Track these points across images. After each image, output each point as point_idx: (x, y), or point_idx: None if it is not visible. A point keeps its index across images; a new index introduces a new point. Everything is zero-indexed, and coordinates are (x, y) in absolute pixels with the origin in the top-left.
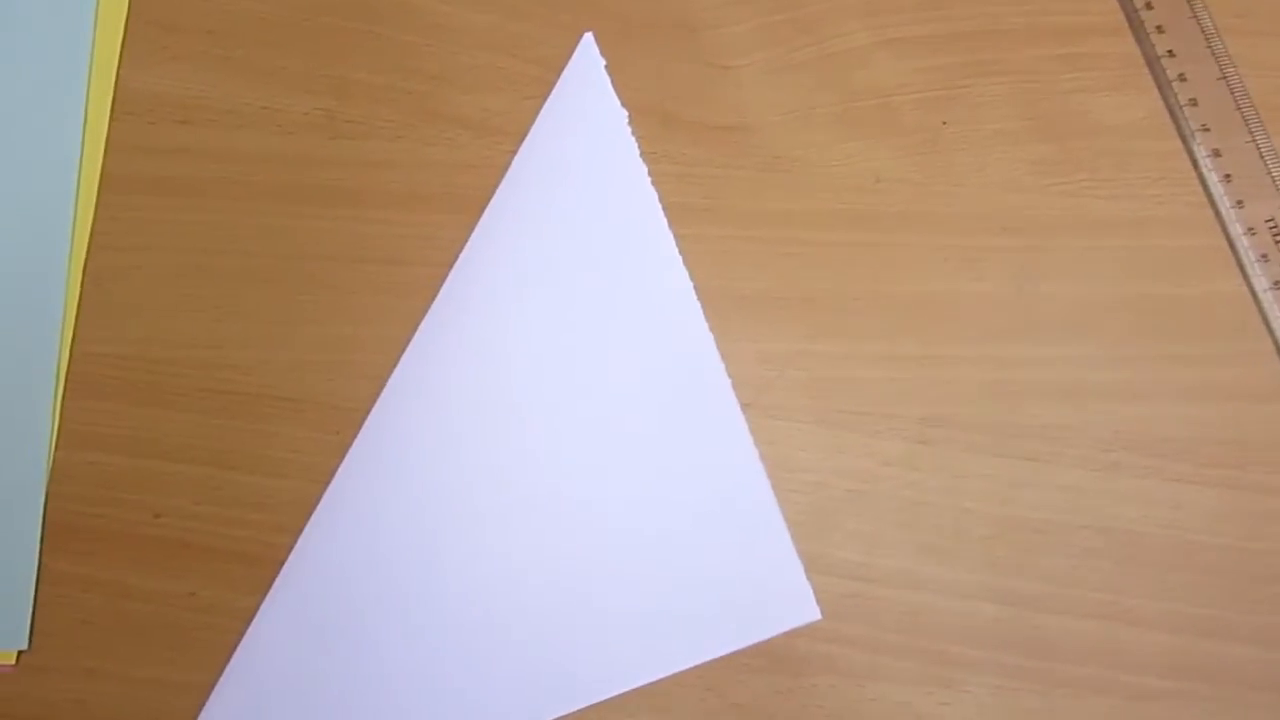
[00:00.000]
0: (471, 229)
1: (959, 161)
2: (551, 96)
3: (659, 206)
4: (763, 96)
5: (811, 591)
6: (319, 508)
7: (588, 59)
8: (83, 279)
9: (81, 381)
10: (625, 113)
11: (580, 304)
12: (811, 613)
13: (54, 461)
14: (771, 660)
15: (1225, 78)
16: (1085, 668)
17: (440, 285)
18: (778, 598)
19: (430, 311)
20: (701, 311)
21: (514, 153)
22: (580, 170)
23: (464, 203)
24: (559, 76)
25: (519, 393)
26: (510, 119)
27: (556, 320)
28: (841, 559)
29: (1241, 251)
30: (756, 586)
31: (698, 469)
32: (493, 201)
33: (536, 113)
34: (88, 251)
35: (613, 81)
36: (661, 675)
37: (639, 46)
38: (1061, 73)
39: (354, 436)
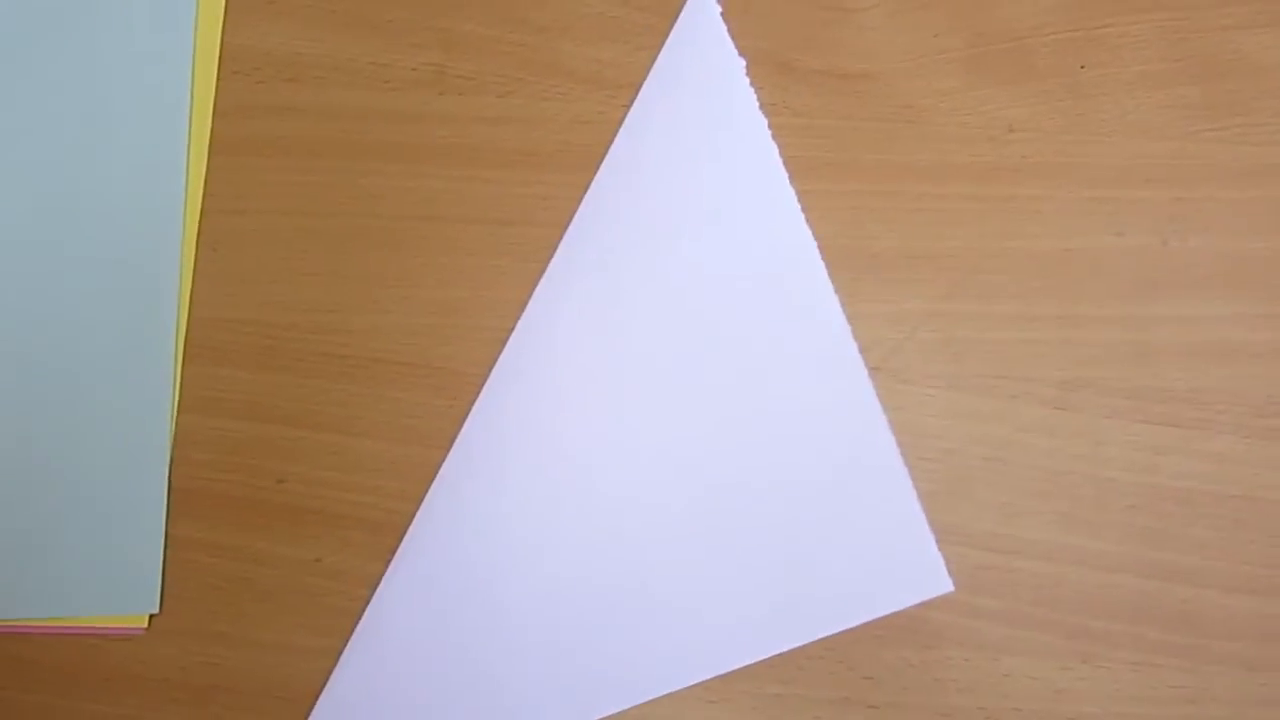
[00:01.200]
0: (587, 187)
1: (1099, 108)
2: (666, 46)
3: (779, 160)
4: (888, 41)
5: (943, 562)
6: (440, 474)
7: (702, 5)
8: (197, 244)
9: (200, 347)
10: (742, 61)
11: (699, 263)
12: (943, 584)
13: (176, 427)
14: (902, 632)
15: None
16: (1236, 643)
17: (556, 246)
18: (908, 568)
19: (546, 273)
20: (825, 270)
21: (629, 106)
22: (697, 123)
23: (579, 159)
24: (672, 25)
25: (637, 356)
26: (624, 70)
27: (675, 281)
28: (976, 529)
29: None
30: (886, 557)
31: (823, 435)
32: (607, 158)
33: (650, 63)
34: (200, 216)
35: (729, 28)
36: (789, 647)
37: None
38: (1215, 7)
39: (472, 401)
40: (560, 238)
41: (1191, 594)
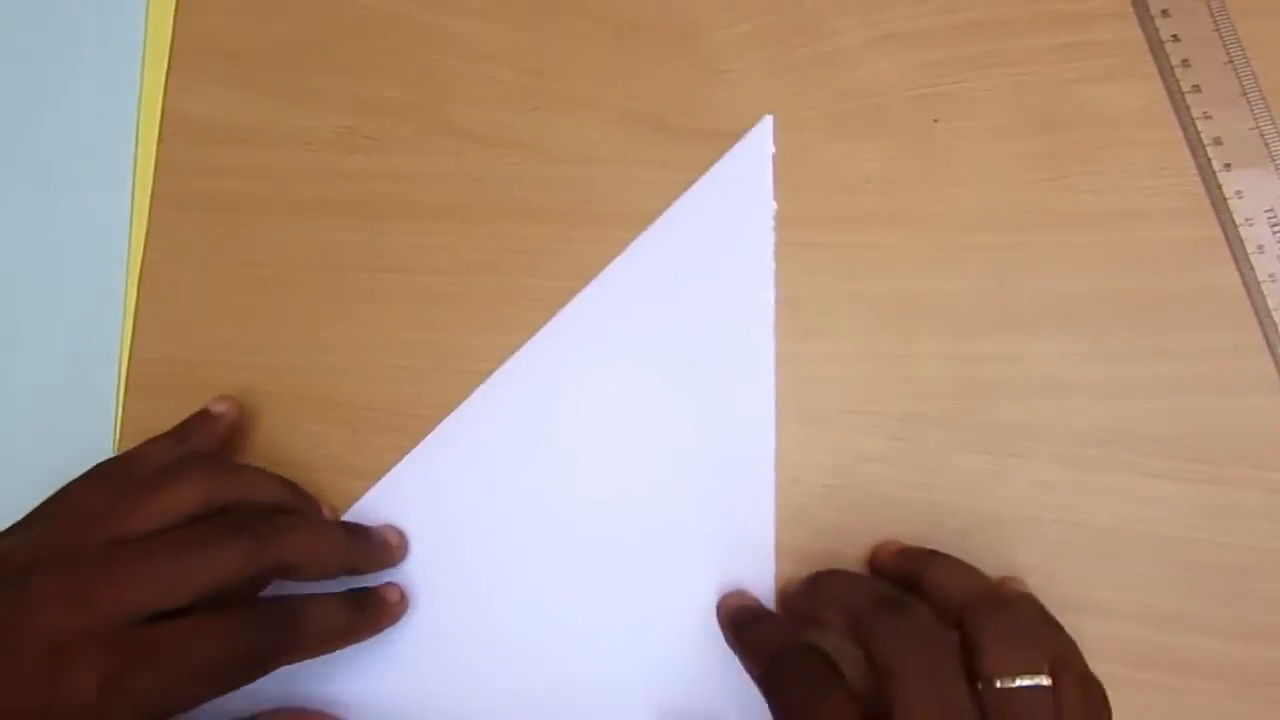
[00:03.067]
0: (478, 236)
1: (949, 159)
2: (714, 168)
3: (772, 311)
4: (756, 99)
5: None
6: (358, 503)
7: (759, 143)
8: (138, 292)
9: (139, 385)
10: (774, 206)
11: (662, 379)
12: None
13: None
14: None
15: (1232, 61)
16: None
17: (453, 291)
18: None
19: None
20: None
21: (518, 163)
22: (710, 255)
23: (472, 212)
24: (556, 86)
25: (588, 410)
26: (510, 129)
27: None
28: (814, 548)
29: (1238, 243)
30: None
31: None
32: (612, 267)
33: (536, 123)
34: (141, 266)
35: (608, 88)
36: None
37: (635, 51)
38: (1060, 62)
39: (370, 433)
40: (456, 284)
41: None
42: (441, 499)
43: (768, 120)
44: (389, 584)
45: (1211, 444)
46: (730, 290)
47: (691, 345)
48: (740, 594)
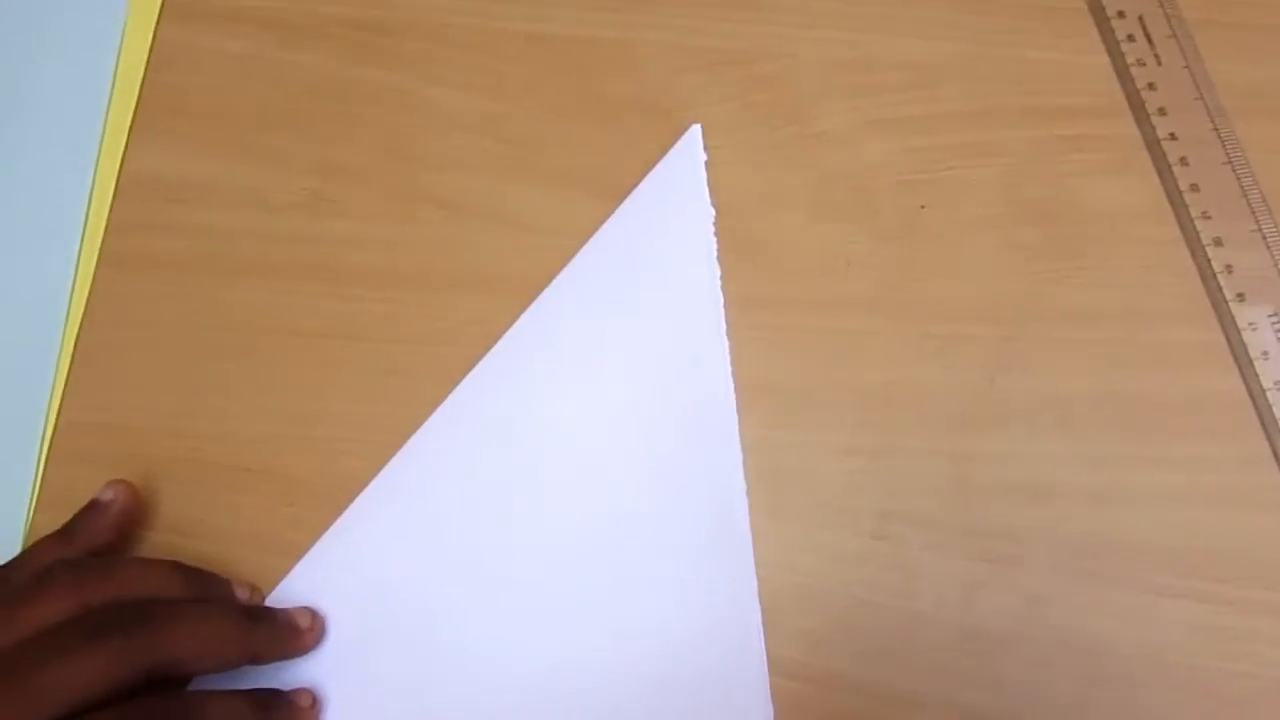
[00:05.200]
0: (439, 306)
1: (936, 246)
2: (644, 183)
3: (721, 312)
4: (739, 179)
5: None
6: (283, 583)
7: (690, 151)
8: (73, 351)
9: (64, 449)
10: (712, 212)
11: (609, 397)
12: None
13: (31, 524)
14: None
15: (1231, 162)
16: None
17: (408, 363)
18: None
19: (451, 395)
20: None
21: (486, 232)
22: (650, 266)
23: (433, 280)
24: (530, 158)
25: (517, 486)
26: (484, 198)
27: (570, 409)
28: (782, 656)
29: (1241, 348)
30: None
31: (697, 589)
32: (554, 283)
33: (507, 194)
34: (80, 325)
35: (585, 163)
36: None
37: (615, 128)
38: (1054, 155)
39: (309, 509)
40: (413, 354)
41: None
42: (370, 572)
43: (696, 129)
44: (301, 689)
45: (1217, 561)
46: (677, 307)
47: (641, 369)
48: None
